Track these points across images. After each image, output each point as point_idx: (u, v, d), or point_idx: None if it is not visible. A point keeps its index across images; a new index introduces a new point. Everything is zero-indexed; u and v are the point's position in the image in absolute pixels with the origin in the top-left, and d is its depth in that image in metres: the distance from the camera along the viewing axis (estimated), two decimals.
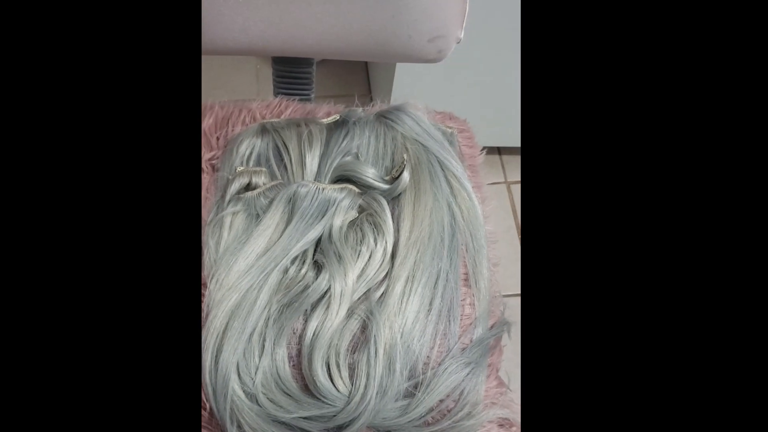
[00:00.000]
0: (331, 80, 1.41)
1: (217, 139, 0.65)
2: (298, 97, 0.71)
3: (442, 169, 0.62)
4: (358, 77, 1.45)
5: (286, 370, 0.53)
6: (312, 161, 0.61)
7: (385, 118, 0.65)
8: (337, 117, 0.66)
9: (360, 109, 0.66)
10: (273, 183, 0.59)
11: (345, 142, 0.62)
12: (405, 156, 0.61)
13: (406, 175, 0.59)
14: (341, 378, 0.52)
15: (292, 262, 0.55)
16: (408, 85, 1.02)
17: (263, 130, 0.64)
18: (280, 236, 0.56)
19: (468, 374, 0.54)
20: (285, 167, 0.62)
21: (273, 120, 0.65)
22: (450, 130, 0.67)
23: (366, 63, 1.56)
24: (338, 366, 0.52)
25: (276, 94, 0.72)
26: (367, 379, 0.52)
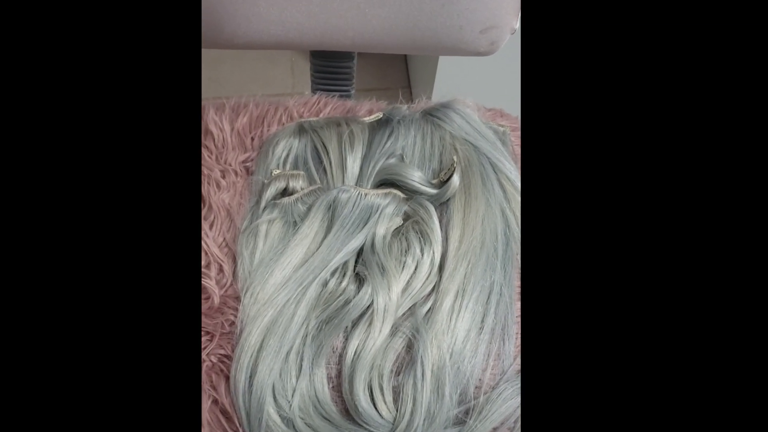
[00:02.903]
0: (368, 73, 1.36)
1: (252, 139, 0.61)
2: (337, 94, 0.66)
3: (495, 172, 0.57)
4: (397, 69, 1.40)
5: (325, 392, 0.48)
6: (353, 164, 0.57)
7: (431, 116, 0.60)
8: (379, 115, 0.61)
9: (405, 107, 0.62)
10: (312, 188, 0.55)
11: (389, 143, 0.57)
12: (454, 158, 0.56)
13: (455, 179, 0.54)
14: (385, 402, 0.48)
15: (332, 274, 0.51)
16: (451, 78, 0.97)
17: (301, 130, 0.60)
18: (319, 246, 0.52)
19: None
20: (324, 170, 0.57)
21: (311, 119, 0.61)
22: (502, 129, 0.62)
23: (406, 54, 1.51)
24: (381, 389, 0.48)
25: (314, 90, 0.68)
26: (414, 404, 0.47)
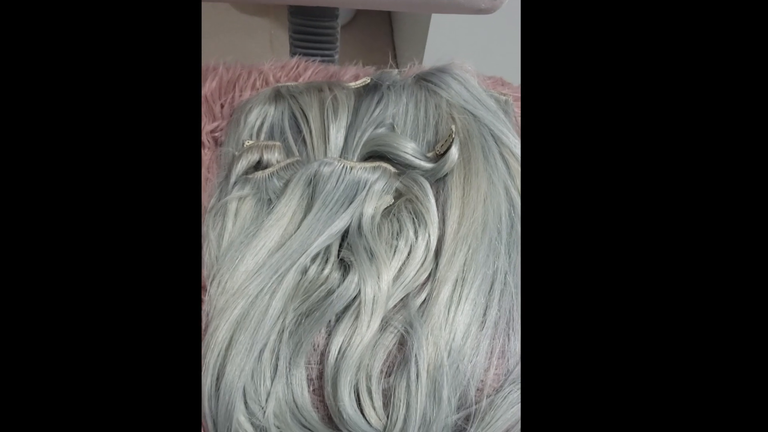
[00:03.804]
0: (351, 47, 1.29)
1: (222, 106, 0.54)
2: (319, 58, 0.59)
3: (497, 145, 0.51)
4: (383, 43, 1.33)
5: (304, 396, 0.42)
6: (337, 134, 0.50)
7: (425, 81, 0.53)
8: (367, 80, 0.54)
9: (395, 71, 0.55)
10: (289, 160, 0.48)
11: (378, 111, 0.50)
12: (452, 127, 0.49)
13: (453, 151, 0.48)
14: (373, 408, 0.42)
15: (313, 260, 0.44)
16: (442, 50, 0.90)
17: (277, 96, 0.52)
18: (298, 227, 0.45)
19: None
20: (304, 141, 0.50)
21: (289, 84, 0.54)
22: (504, 98, 0.56)
23: (391, 27, 1.43)
24: (370, 392, 0.42)
25: (293, 54, 0.61)
26: (407, 409, 0.41)
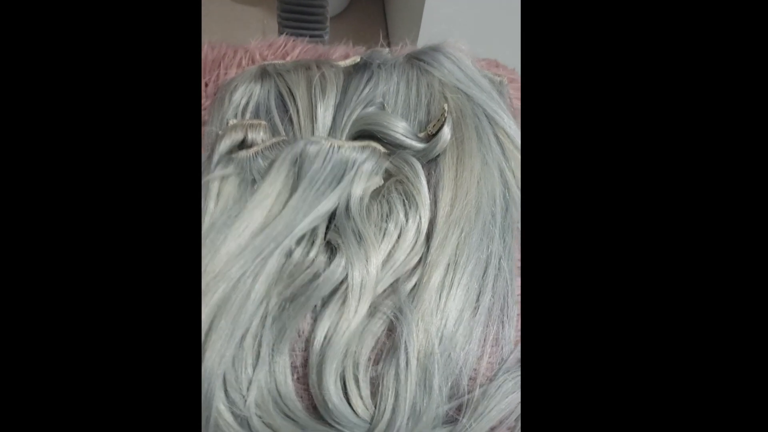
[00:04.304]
0: (342, 34, 1.27)
1: (206, 85, 0.52)
2: (307, 37, 0.57)
3: (491, 125, 0.49)
4: (375, 30, 1.31)
5: (288, 384, 0.40)
6: (325, 112, 0.47)
7: (417, 60, 0.51)
8: (357, 59, 0.52)
9: (386, 50, 0.53)
10: (275, 140, 0.46)
11: (367, 89, 0.48)
12: (444, 106, 0.47)
13: (446, 131, 0.46)
14: (360, 397, 0.40)
15: (298, 242, 0.42)
16: (437, 36, 0.88)
17: (263, 74, 0.50)
18: (283, 208, 0.43)
19: None
20: (290, 120, 0.48)
21: (276, 62, 0.51)
22: (499, 79, 0.54)
23: (385, 18, 1.42)
24: (357, 381, 0.40)
25: (281, 32, 0.59)
26: (396, 399, 0.39)
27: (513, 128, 0.49)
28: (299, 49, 0.54)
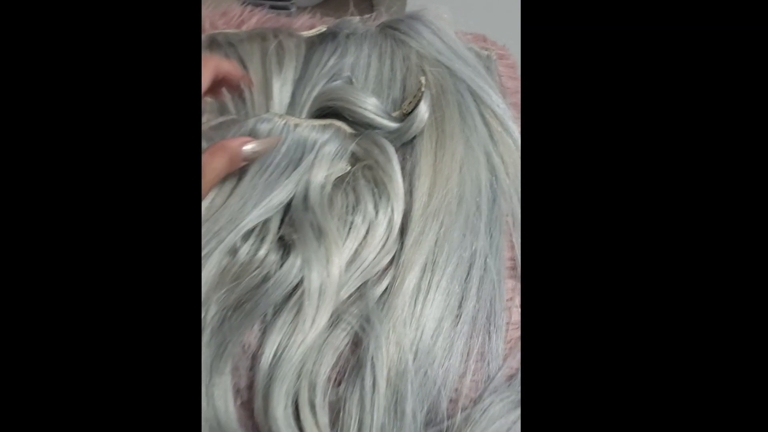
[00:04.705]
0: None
1: None
2: (268, 5, 0.50)
3: (476, 103, 0.42)
4: (361, 8, 1.25)
5: (229, 411, 0.33)
6: (282, 87, 0.41)
7: (392, 29, 0.45)
8: (323, 29, 0.45)
9: (357, 18, 0.46)
10: (222, 119, 0.39)
11: (332, 61, 0.42)
12: (422, 80, 0.40)
13: (423, 108, 0.39)
14: (317, 426, 0.33)
15: (245, 238, 0.36)
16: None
17: (212, 44, 0.44)
18: (228, 197, 0.36)
19: (520, 418, 0.34)
20: (242, 96, 0.41)
21: (228, 31, 0.45)
22: (486, 53, 0.47)
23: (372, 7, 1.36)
24: (312, 406, 0.33)
25: (243, 2, 0.52)
26: (359, 427, 0.33)
27: (502, 107, 0.43)
28: (257, 18, 0.47)
